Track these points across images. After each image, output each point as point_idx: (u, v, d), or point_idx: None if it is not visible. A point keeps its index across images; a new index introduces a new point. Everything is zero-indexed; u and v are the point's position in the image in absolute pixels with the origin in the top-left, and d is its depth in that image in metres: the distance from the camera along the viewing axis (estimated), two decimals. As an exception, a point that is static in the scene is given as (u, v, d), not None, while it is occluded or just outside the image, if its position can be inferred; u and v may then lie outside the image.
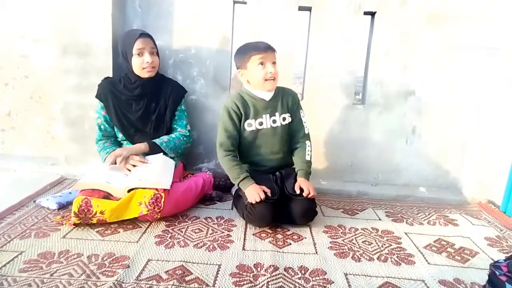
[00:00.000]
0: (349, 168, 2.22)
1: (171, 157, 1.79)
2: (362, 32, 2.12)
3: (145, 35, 1.76)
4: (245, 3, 2.07)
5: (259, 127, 1.73)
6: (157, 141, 1.78)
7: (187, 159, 2.11)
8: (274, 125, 1.74)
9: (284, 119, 1.75)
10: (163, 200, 1.51)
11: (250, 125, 1.72)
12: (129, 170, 1.67)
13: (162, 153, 1.76)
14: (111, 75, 1.97)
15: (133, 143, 1.82)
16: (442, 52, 2.06)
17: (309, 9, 2.08)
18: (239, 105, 1.70)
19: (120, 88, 1.83)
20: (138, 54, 1.74)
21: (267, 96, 1.72)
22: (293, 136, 1.79)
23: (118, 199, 1.52)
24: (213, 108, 2.16)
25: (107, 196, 1.53)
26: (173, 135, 1.85)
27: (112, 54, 1.98)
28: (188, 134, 1.91)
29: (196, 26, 2.09)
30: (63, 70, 2.01)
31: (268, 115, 1.72)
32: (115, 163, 1.67)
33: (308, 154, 1.75)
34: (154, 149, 1.76)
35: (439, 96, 2.11)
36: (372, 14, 2.08)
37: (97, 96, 1.86)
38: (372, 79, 2.13)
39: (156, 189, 1.52)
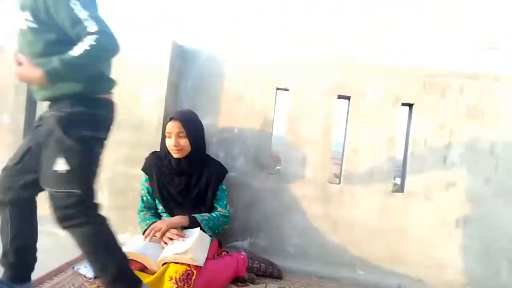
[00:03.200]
0: (388, 259, 2.12)
1: (208, 234, 1.81)
2: (400, 121, 2.17)
3: (174, 119, 1.85)
4: (287, 90, 2.22)
5: None
6: (197, 216, 1.82)
7: (221, 235, 2.11)
8: None
9: None
10: (194, 277, 1.49)
11: None
12: (166, 243, 1.69)
13: (199, 228, 1.78)
14: (158, 149, 2.10)
15: (172, 215, 1.86)
16: (482, 146, 2.05)
17: (348, 98, 2.19)
18: None
19: (165, 163, 1.93)
20: (168, 137, 1.87)
21: None
22: None
23: (153, 272, 1.52)
24: (251, 186, 2.21)
25: (143, 268, 1.54)
26: (213, 214, 1.88)
27: (162, 130, 2.14)
28: (227, 214, 1.94)
29: (240, 109, 2.24)
30: (116, 143, 2.17)
31: None
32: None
33: None
34: (194, 224, 1.79)
35: (482, 188, 2.05)
36: (410, 105, 2.15)
37: (143, 169, 1.97)
38: (411, 168, 2.13)
39: (189, 265, 1.51)
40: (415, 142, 2.12)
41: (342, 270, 2.08)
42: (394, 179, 2.45)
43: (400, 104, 2.14)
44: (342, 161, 2.23)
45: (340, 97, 2.19)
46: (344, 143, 2.22)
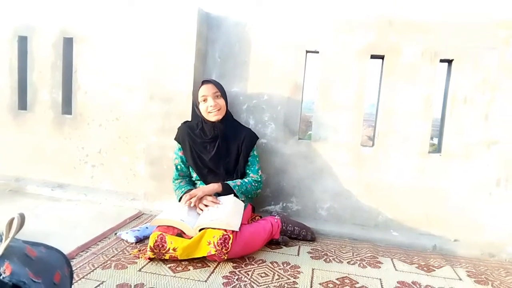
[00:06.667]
0: (424, 220, 2.09)
1: (241, 200, 1.85)
2: (438, 78, 2.06)
3: (207, 81, 1.91)
4: (317, 52, 2.15)
5: None
6: (230, 183, 1.86)
7: (255, 200, 2.16)
8: None
9: None
10: (231, 241, 1.55)
11: None
12: (202, 210, 1.75)
13: (232, 195, 1.82)
14: (190, 119, 2.13)
15: (206, 183, 1.92)
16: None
17: (381, 57, 2.09)
18: None
19: (197, 131, 1.97)
20: (204, 101, 1.89)
21: None
22: None
23: (190, 237, 1.59)
24: (282, 152, 2.21)
25: (180, 233, 1.61)
26: (246, 180, 1.92)
27: (192, 99, 2.16)
28: (259, 179, 1.97)
29: (269, 74, 2.20)
30: (149, 114, 2.22)
31: None
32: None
33: None
34: (227, 190, 1.83)
35: (528, 146, 1.94)
36: (449, 61, 2.03)
37: (176, 138, 2.01)
38: (449, 127, 2.04)
39: (225, 230, 1.56)
40: (454, 99, 2.02)
41: (375, 232, 2.08)
42: (432, 139, 2.37)
43: (439, 60, 2.02)
44: (375, 123, 2.17)
45: (373, 56, 2.10)
46: (377, 104, 2.15)
